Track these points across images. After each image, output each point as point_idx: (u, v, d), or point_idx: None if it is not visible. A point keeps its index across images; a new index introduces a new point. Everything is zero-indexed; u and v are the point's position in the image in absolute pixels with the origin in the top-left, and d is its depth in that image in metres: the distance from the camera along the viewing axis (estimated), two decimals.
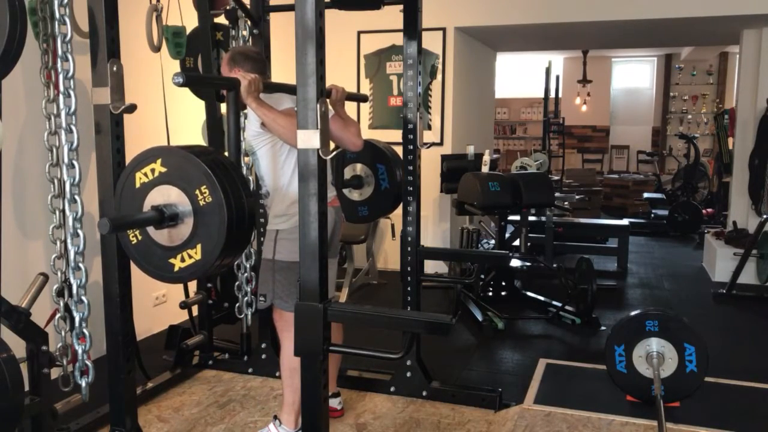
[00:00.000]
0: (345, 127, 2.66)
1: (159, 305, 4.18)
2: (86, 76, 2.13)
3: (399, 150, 3.16)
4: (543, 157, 6.98)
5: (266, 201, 2.71)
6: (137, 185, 1.92)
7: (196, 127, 3.77)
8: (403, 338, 3.18)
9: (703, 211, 8.03)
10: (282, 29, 3.25)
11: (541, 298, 4.87)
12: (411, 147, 3.10)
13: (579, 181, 9.46)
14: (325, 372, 1.91)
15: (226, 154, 2.43)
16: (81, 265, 2.27)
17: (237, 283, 3.33)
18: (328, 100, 2.20)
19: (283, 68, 3.71)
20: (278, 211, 2.61)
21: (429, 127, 5.81)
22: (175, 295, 4.00)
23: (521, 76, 11.85)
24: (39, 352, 2.27)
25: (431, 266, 5.60)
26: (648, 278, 5.91)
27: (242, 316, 3.37)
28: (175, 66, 3.48)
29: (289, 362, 2.64)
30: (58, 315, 2.38)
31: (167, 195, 1.88)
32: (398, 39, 3.45)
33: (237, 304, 3.35)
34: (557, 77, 9.45)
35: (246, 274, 3.33)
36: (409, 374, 3.20)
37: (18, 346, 2.10)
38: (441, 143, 5.80)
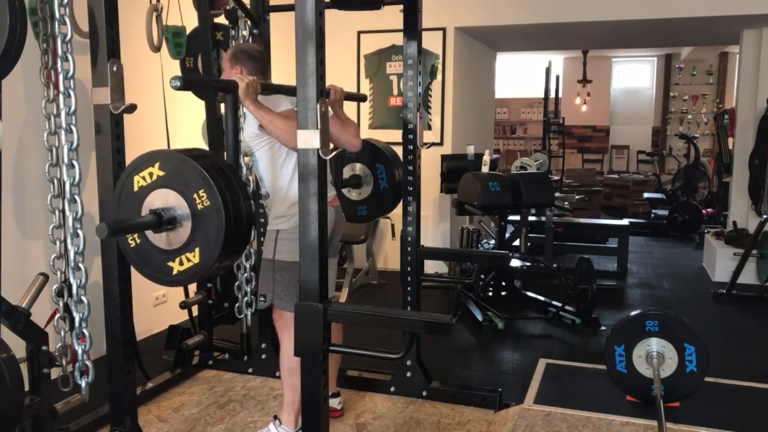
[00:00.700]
0: (343, 128, 2.67)
1: (159, 305, 4.18)
2: (86, 76, 2.13)
3: (399, 150, 3.16)
4: (543, 157, 6.98)
5: (266, 202, 2.71)
6: (135, 188, 1.92)
7: (196, 127, 3.77)
8: (403, 338, 3.18)
9: (703, 211, 8.02)
10: (282, 29, 3.25)
11: (541, 298, 4.87)
12: (411, 147, 3.10)
13: (579, 181, 9.46)
14: (325, 372, 1.91)
15: (226, 154, 2.42)
16: (81, 265, 2.27)
17: (237, 283, 3.33)
18: (326, 100, 2.20)
19: (283, 68, 3.71)
20: (279, 212, 2.61)
21: (429, 127, 5.81)
22: (175, 295, 4.00)
23: (521, 76, 11.86)
24: (39, 352, 2.27)
25: (431, 266, 5.60)
26: (648, 278, 5.91)
27: (242, 316, 3.37)
28: (175, 66, 3.48)
29: (289, 362, 2.64)
30: (57, 315, 2.38)
31: (165, 198, 1.88)
32: (398, 39, 3.45)
33: (237, 304, 3.35)
34: (557, 77, 9.46)
35: (246, 274, 3.33)
36: (409, 374, 3.20)
37: (18, 346, 2.10)
38: (441, 143, 5.80)
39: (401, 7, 3.04)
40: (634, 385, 3.09)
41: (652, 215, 8.70)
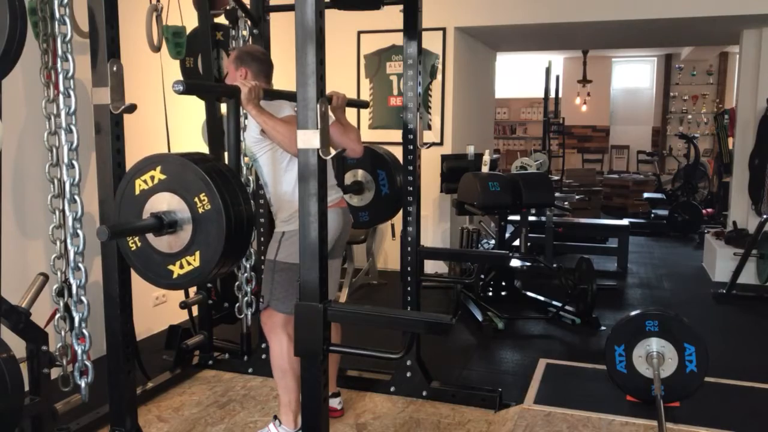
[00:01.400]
0: (345, 134, 2.68)
1: (159, 305, 4.18)
2: (86, 76, 2.13)
3: (399, 150, 3.16)
4: (543, 157, 6.98)
5: (271, 206, 2.72)
6: (137, 192, 1.93)
7: (196, 127, 3.77)
8: (403, 338, 3.18)
9: (703, 211, 8.03)
10: (282, 29, 3.25)
11: (541, 298, 4.87)
12: (411, 147, 3.10)
13: (579, 181, 9.46)
14: (325, 372, 1.91)
15: (226, 154, 2.43)
16: (81, 265, 2.27)
17: (237, 283, 3.33)
18: (328, 105, 2.20)
19: (283, 68, 3.71)
20: (284, 216, 2.62)
21: (429, 127, 5.81)
22: (175, 296, 4.00)
23: (521, 76, 11.85)
24: (39, 352, 2.27)
25: (431, 266, 5.60)
26: (648, 278, 5.91)
27: (242, 316, 3.38)
28: (175, 66, 3.47)
29: (279, 364, 2.64)
30: (58, 315, 2.38)
31: (166, 202, 1.89)
32: (398, 39, 3.45)
33: (237, 304, 3.35)
34: (557, 77, 9.45)
35: (246, 274, 3.33)
36: (409, 374, 3.20)
37: (18, 346, 2.10)
38: (441, 143, 5.80)
39: (401, 7, 3.04)
40: (634, 385, 3.09)
41: (652, 215, 8.70)
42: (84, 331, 2.31)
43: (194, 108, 3.64)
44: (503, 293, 5.03)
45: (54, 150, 2.29)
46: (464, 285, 4.89)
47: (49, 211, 2.39)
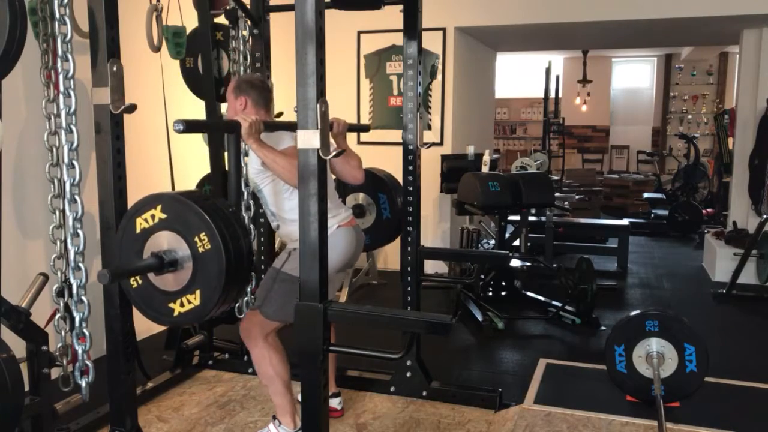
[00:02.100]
0: (346, 161, 2.71)
1: None
2: (86, 76, 2.13)
3: (399, 150, 3.16)
4: (543, 157, 6.98)
5: (278, 232, 2.73)
6: (138, 230, 1.94)
7: None
8: (403, 338, 3.18)
9: (703, 211, 8.02)
10: (282, 29, 3.25)
11: (541, 298, 4.87)
12: (411, 147, 3.10)
13: (579, 181, 9.45)
14: (325, 372, 1.91)
15: (227, 185, 2.42)
16: (81, 265, 2.26)
17: None
18: (330, 133, 2.20)
19: (283, 68, 3.71)
20: (294, 237, 2.63)
21: (429, 127, 5.81)
22: None
23: (521, 76, 11.85)
24: (39, 352, 2.27)
25: (431, 266, 5.60)
26: (648, 278, 5.91)
27: (242, 315, 3.37)
28: (175, 66, 3.47)
29: (264, 370, 2.65)
30: (58, 315, 2.37)
31: (167, 241, 1.90)
32: (398, 39, 3.45)
33: (237, 304, 3.35)
34: (557, 77, 9.45)
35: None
36: (409, 374, 3.20)
37: (18, 346, 2.10)
38: (441, 143, 5.80)
39: (401, 7, 3.04)
40: (634, 385, 3.09)
41: (652, 215, 8.71)
42: (84, 331, 2.31)
43: (194, 108, 3.64)
44: (503, 293, 5.04)
45: (54, 150, 2.28)
46: (464, 285, 4.89)
47: (49, 211, 2.38)
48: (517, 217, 5.57)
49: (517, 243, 5.67)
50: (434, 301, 5.06)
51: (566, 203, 6.32)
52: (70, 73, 2.17)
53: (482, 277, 5.00)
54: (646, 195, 9.47)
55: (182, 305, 1.90)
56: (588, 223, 7.14)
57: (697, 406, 3.08)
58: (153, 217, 1.90)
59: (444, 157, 5.53)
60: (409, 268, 3.17)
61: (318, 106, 1.76)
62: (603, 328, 4.35)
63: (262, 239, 3.32)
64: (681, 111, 11.70)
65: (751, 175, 5.67)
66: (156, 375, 3.32)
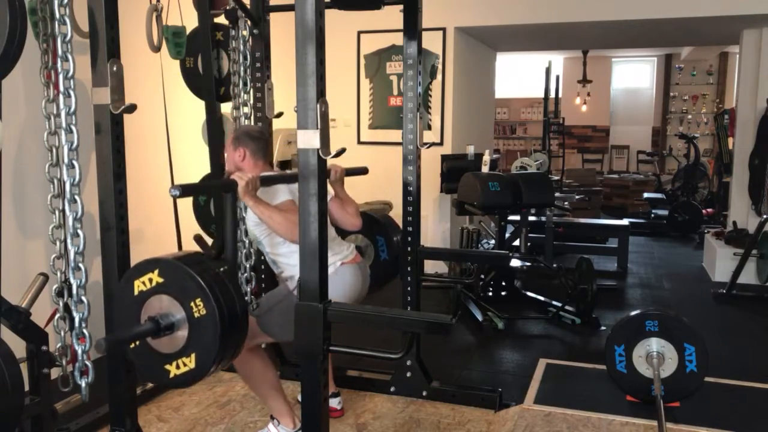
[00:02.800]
0: (343, 208, 2.76)
1: None
2: (86, 76, 2.13)
3: (399, 150, 3.16)
4: (543, 157, 6.98)
5: (285, 280, 2.74)
6: (135, 292, 1.97)
7: (196, 127, 3.77)
8: (403, 338, 3.18)
9: (703, 211, 8.03)
10: (282, 29, 3.25)
11: (541, 298, 4.87)
12: (411, 147, 3.10)
13: (579, 181, 9.46)
14: (325, 372, 1.91)
15: (224, 243, 2.42)
16: (81, 265, 2.26)
17: None
18: (327, 180, 2.22)
19: (283, 68, 3.71)
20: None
21: (429, 127, 5.81)
22: None
23: (521, 76, 11.85)
24: (39, 352, 2.27)
25: (431, 266, 5.60)
26: (648, 278, 5.91)
27: None
28: (175, 66, 3.47)
29: (247, 373, 2.65)
30: (58, 315, 2.37)
31: (164, 304, 1.93)
32: (398, 39, 3.45)
33: None
34: (557, 77, 9.45)
35: (246, 274, 3.32)
36: (409, 374, 3.20)
37: (18, 346, 2.10)
38: (441, 143, 5.80)
39: (401, 7, 3.04)
40: (634, 385, 3.09)
41: (652, 215, 8.71)
42: (84, 331, 2.30)
43: (194, 108, 3.64)
44: (503, 293, 5.04)
45: (54, 150, 2.28)
46: (464, 285, 4.89)
47: (49, 211, 2.38)
48: (517, 217, 5.57)
49: (517, 243, 5.67)
50: (434, 301, 5.06)
51: (566, 203, 6.32)
52: (70, 73, 2.17)
53: (482, 277, 5.00)
54: (646, 195, 9.47)
55: (178, 367, 1.94)
56: (588, 223, 7.14)
57: (697, 406, 3.08)
58: (150, 280, 1.94)
59: (444, 157, 5.53)
60: (409, 268, 3.17)
61: (318, 106, 1.76)
62: (603, 328, 4.35)
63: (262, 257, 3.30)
64: (681, 111, 11.70)
65: (751, 175, 5.67)
66: None
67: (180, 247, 3.40)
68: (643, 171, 11.33)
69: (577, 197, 6.78)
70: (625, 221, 6.81)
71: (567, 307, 4.55)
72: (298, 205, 1.84)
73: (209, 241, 3.26)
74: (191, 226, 3.40)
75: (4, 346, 1.93)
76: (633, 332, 3.07)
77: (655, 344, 3.03)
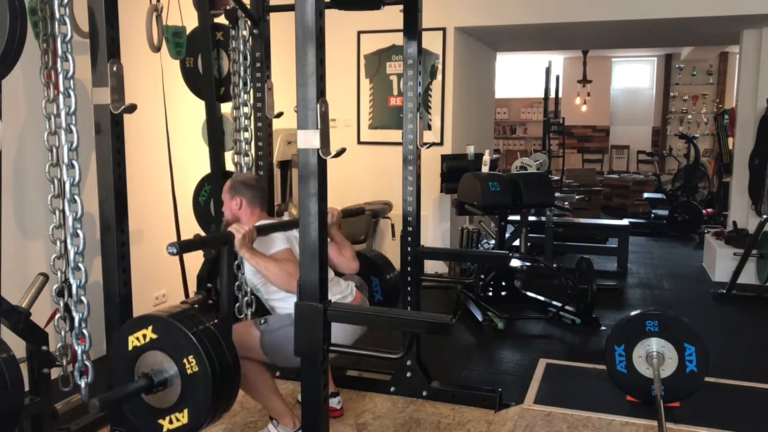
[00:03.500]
0: (340, 252, 2.78)
1: (159, 305, 4.18)
2: (86, 76, 2.14)
3: (399, 150, 3.16)
4: (543, 157, 6.99)
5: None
6: (130, 348, 1.99)
7: (196, 127, 3.76)
8: (403, 338, 3.18)
9: (703, 211, 8.02)
10: (282, 29, 3.25)
11: (541, 298, 4.87)
12: (411, 147, 3.10)
13: (579, 181, 9.46)
14: (325, 372, 1.91)
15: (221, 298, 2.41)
16: (81, 265, 2.26)
17: (237, 283, 3.33)
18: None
19: (283, 68, 3.71)
20: None
21: (429, 127, 5.81)
22: (175, 295, 4.00)
23: (521, 76, 11.85)
24: (39, 352, 2.27)
25: (431, 266, 5.60)
26: (648, 278, 5.91)
27: (242, 315, 3.37)
28: (175, 66, 3.47)
29: (244, 386, 2.64)
30: (58, 315, 2.37)
31: (157, 360, 1.95)
32: (398, 39, 3.45)
33: (237, 304, 3.35)
34: (557, 77, 9.45)
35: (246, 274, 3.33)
36: (409, 374, 3.20)
37: (18, 346, 2.10)
38: (441, 143, 5.80)
39: (401, 7, 3.04)
40: (634, 385, 3.09)
41: (652, 215, 8.70)
42: (84, 331, 2.31)
43: (194, 108, 3.64)
44: (503, 293, 5.03)
45: (54, 150, 2.28)
46: (464, 285, 4.89)
47: (49, 211, 2.39)
48: (517, 217, 5.57)
49: (517, 243, 5.67)
50: (434, 301, 5.06)
51: (566, 203, 6.32)
52: (70, 73, 2.17)
53: (482, 277, 5.00)
54: (646, 195, 9.46)
55: (171, 422, 1.96)
56: (588, 223, 7.14)
57: (697, 406, 3.08)
58: (144, 336, 1.96)
59: (444, 157, 5.53)
60: (409, 268, 3.17)
61: (318, 106, 1.76)
62: (603, 328, 4.34)
63: None
64: (681, 111, 11.70)
65: (751, 175, 5.67)
66: None
67: None
68: (643, 171, 11.32)
69: (577, 197, 6.78)
70: (625, 221, 6.81)
71: (567, 307, 4.55)
72: (298, 205, 1.84)
73: None
74: (191, 226, 3.40)
75: (4, 346, 1.93)
76: (633, 332, 3.07)
77: (655, 344, 3.03)
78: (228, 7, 3.20)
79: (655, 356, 3.01)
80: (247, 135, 3.30)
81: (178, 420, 1.94)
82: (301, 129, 1.79)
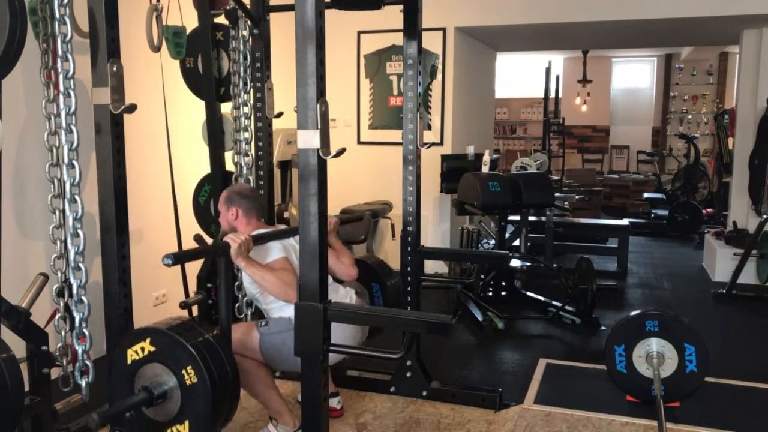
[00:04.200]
0: (338, 259, 2.79)
1: (159, 305, 4.18)
2: (86, 76, 2.13)
3: (399, 150, 3.16)
4: (543, 157, 6.99)
5: None
6: (128, 361, 2.00)
7: (196, 127, 3.77)
8: (403, 338, 3.18)
9: (703, 211, 8.03)
10: (282, 29, 3.25)
11: (541, 298, 4.87)
12: (411, 147, 3.10)
13: (579, 181, 9.46)
14: (325, 372, 1.91)
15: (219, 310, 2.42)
16: (81, 265, 2.27)
17: (237, 283, 3.33)
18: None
19: (283, 68, 3.71)
20: None
21: (429, 127, 5.81)
22: (175, 295, 4.00)
23: (521, 76, 11.85)
24: (39, 352, 2.27)
25: (431, 266, 5.60)
26: (648, 278, 5.91)
27: (242, 315, 3.37)
28: (175, 66, 3.48)
29: (244, 383, 2.64)
30: (58, 315, 2.38)
31: (156, 373, 1.96)
32: (398, 39, 3.45)
33: (237, 304, 3.35)
34: (557, 77, 9.45)
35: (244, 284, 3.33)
36: (409, 374, 3.20)
37: (18, 346, 2.10)
38: (441, 143, 5.80)
39: (401, 7, 3.04)
40: (634, 385, 3.09)
41: (652, 215, 8.71)
42: (84, 331, 2.31)
43: (194, 108, 3.64)
44: (503, 293, 5.03)
45: (54, 150, 2.28)
46: (464, 285, 4.89)
47: (49, 211, 2.39)
48: (517, 217, 5.57)
49: (517, 243, 5.67)
50: (434, 301, 5.06)
51: (566, 203, 6.32)
52: (70, 73, 2.17)
53: (482, 277, 5.00)
54: (646, 195, 9.47)
55: None
56: (588, 223, 7.14)
57: (697, 406, 3.08)
58: (143, 349, 1.97)
59: (444, 157, 5.53)
60: (409, 268, 3.17)
61: (318, 106, 1.76)
62: (603, 328, 4.34)
63: None
64: (681, 111, 11.70)
65: (751, 175, 5.67)
66: None
67: (180, 246, 3.40)
68: (643, 171, 11.32)
69: (577, 197, 6.78)
70: (625, 221, 6.81)
71: (567, 307, 4.55)
72: (298, 205, 1.84)
73: (209, 240, 3.26)
74: (191, 226, 3.40)
75: (4, 346, 1.93)
76: (633, 332, 3.07)
77: (655, 344, 3.03)
78: (228, 7, 3.20)
79: (655, 356, 3.01)
80: (247, 135, 3.30)
81: None
82: (301, 129, 1.79)
